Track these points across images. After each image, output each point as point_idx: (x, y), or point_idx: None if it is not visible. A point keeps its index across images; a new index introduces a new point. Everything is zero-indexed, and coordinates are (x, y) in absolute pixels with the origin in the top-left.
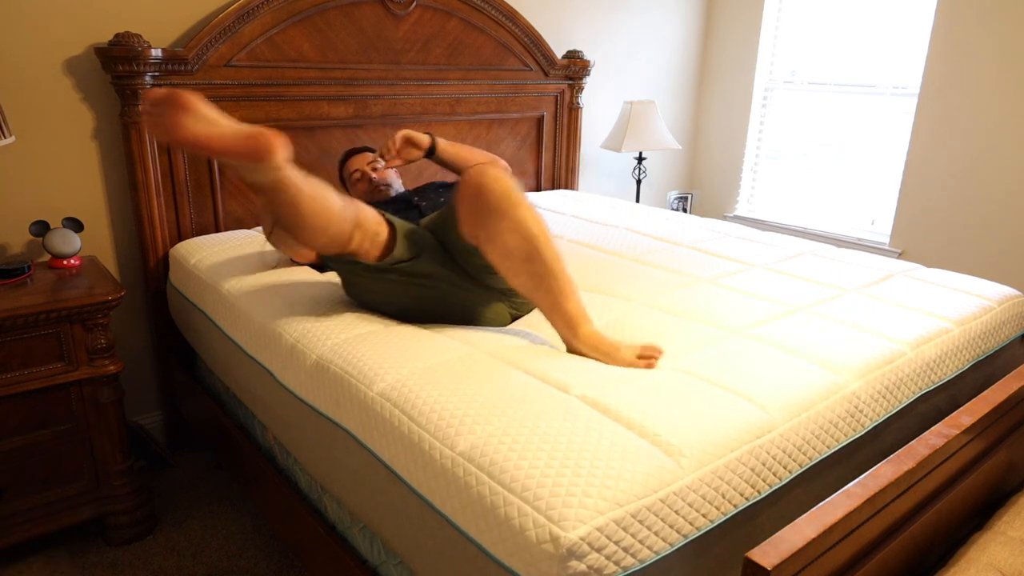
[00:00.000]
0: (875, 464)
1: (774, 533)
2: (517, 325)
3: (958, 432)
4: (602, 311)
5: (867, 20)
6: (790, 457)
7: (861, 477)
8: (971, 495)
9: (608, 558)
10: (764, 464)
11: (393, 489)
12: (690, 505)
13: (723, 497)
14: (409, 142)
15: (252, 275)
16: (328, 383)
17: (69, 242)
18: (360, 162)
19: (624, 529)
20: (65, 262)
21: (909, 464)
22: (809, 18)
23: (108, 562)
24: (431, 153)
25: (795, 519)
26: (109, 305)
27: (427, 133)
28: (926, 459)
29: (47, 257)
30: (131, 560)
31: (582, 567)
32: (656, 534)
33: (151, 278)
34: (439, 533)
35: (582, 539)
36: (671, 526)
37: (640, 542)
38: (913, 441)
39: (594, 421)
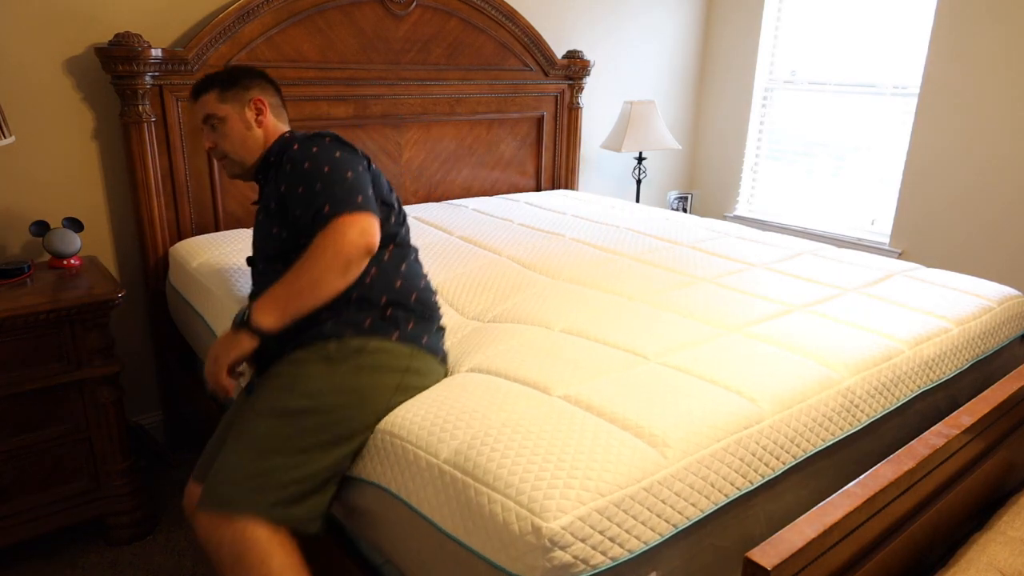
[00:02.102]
0: (875, 459)
1: (773, 526)
2: (506, 330)
3: (958, 432)
4: (604, 308)
5: (867, 20)
6: (782, 448)
7: (861, 477)
8: (971, 495)
9: (594, 548)
10: (755, 455)
11: (384, 501)
12: (678, 495)
13: (713, 487)
14: (234, 364)
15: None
16: None
17: (69, 242)
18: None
19: (608, 519)
20: (65, 262)
21: (909, 464)
22: (809, 18)
23: (108, 562)
24: (266, 337)
25: (795, 513)
26: (109, 305)
27: (242, 328)
28: (926, 459)
29: (47, 257)
30: (131, 560)
31: (567, 557)
32: (644, 524)
33: (151, 278)
34: (429, 539)
35: (564, 528)
36: (659, 516)
37: (627, 532)
38: (913, 441)
39: (576, 417)
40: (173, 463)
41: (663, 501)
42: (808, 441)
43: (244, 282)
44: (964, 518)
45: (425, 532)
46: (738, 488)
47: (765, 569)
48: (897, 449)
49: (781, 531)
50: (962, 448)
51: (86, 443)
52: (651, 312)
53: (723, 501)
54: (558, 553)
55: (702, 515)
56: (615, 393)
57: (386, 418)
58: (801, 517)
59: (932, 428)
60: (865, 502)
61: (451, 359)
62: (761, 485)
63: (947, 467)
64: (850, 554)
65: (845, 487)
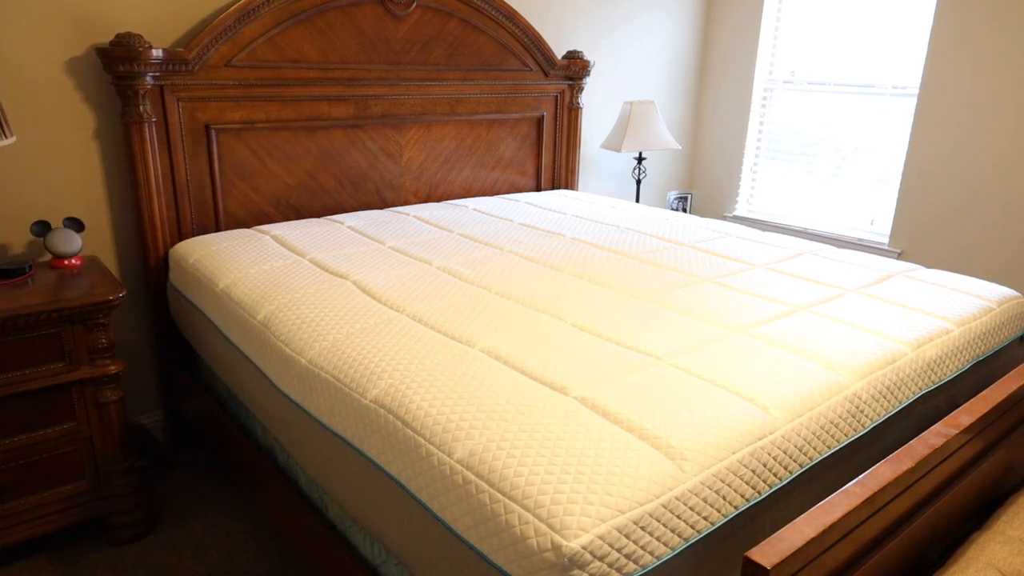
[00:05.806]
0: (874, 465)
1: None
2: (511, 322)
3: (957, 432)
4: (610, 305)
5: (867, 20)
6: (791, 458)
7: (860, 476)
8: (970, 494)
9: (611, 566)
10: (765, 465)
11: (393, 495)
12: (691, 508)
13: (724, 499)
14: None
15: (251, 274)
16: (320, 390)
17: (70, 242)
18: None
19: (626, 536)
20: (66, 262)
21: (908, 464)
22: (809, 18)
23: (108, 562)
24: None
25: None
26: (110, 305)
27: None
28: (925, 459)
29: (48, 257)
30: (132, 560)
31: None
32: (658, 539)
33: (152, 278)
34: (439, 539)
35: (584, 548)
36: (672, 530)
37: (642, 548)
38: (912, 441)
39: (594, 424)
40: (174, 462)
41: (678, 516)
42: (815, 448)
43: (243, 278)
44: (963, 517)
45: (434, 531)
46: (747, 499)
47: (764, 568)
48: None
49: (781, 530)
50: (961, 448)
51: (87, 443)
52: (657, 311)
53: (732, 513)
54: (576, 572)
55: (712, 528)
56: (631, 398)
57: (398, 402)
58: (801, 516)
59: (931, 428)
60: (864, 501)
61: (464, 326)
62: (769, 495)
63: (946, 467)
64: (849, 553)
65: (844, 486)
